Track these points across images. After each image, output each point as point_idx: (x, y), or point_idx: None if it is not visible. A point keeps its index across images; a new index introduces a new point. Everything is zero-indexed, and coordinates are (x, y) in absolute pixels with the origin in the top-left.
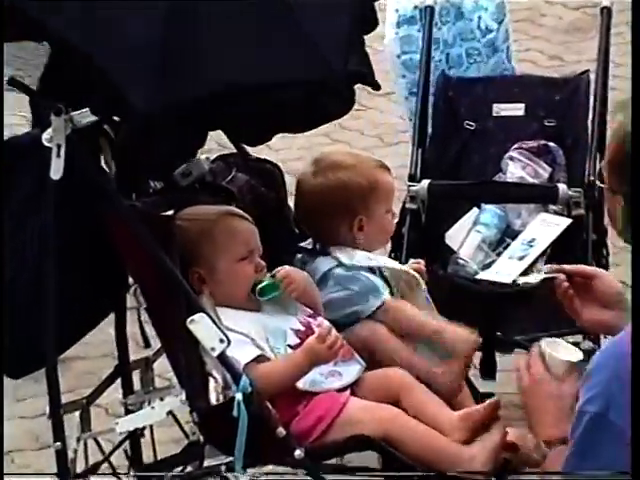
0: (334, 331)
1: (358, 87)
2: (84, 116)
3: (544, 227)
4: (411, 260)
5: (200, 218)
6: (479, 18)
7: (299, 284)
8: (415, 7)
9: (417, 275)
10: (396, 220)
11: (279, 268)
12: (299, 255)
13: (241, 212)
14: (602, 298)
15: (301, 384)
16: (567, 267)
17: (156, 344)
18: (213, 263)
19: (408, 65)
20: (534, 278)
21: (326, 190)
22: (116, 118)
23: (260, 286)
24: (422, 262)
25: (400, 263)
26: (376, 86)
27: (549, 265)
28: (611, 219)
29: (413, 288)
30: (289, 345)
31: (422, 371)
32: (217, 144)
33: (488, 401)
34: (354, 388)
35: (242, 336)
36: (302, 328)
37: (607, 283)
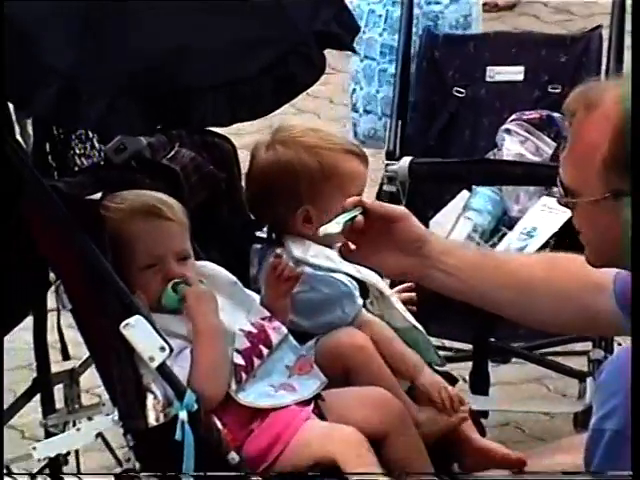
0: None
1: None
2: None
3: (546, 214)
4: (398, 287)
5: (108, 216)
6: None
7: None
8: None
9: (388, 292)
10: None
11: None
12: (257, 246)
13: (161, 205)
14: (401, 243)
15: (246, 397)
16: (368, 203)
17: (83, 353)
18: (119, 270)
19: None
20: (335, 227)
21: (272, 168)
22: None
23: (163, 295)
24: (413, 295)
25: None
26: (352, 49)
27: (349, 200)
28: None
29: (384, 297)
30: (237, 350)
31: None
32: None
33: None
34: (322, 408)
35: (181, 340)
36: (254, 330)
37: (409, 227)
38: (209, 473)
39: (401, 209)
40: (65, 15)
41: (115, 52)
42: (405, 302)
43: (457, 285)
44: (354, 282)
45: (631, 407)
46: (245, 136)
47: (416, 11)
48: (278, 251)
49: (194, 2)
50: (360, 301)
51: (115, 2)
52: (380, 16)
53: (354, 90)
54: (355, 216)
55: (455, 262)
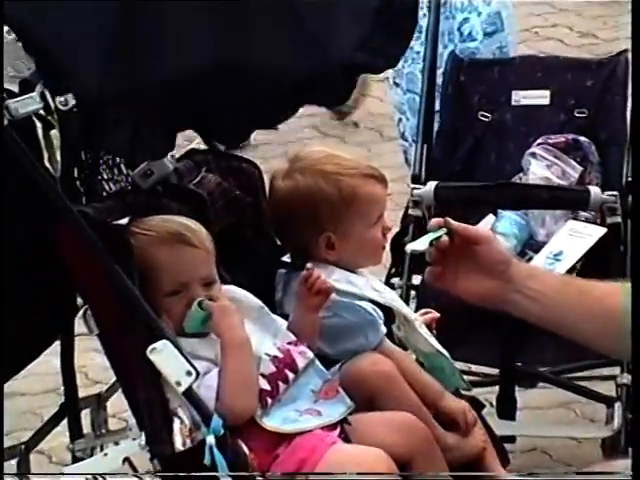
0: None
1: None
2: (23, 104)
3: (573, 238)
4: (421, 310)
5: (134, 241)
6: (465, 20)
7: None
8: None
9: (413, 317)
10: (397, 229)
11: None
12: (282, 271)
13: (187, 231)
14: (485, 266)
15: (271, 422)
16: (454, 224)
17: (110, 378)
18: (144, 295)
19: None
20: (421, 245)
21: (292, 197)
22: (62, 107)
23: (187, 316)
24: (434, 313)
25: (402, 280)
26: (379, 72)
27: (435, 220)
28: None
29: (409, 322)
30: (262, 375)
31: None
32: (184, 139)
33: None
34: (348, 433)
35: (207, 362)
36: (280, 355)
37: (494, 249)
38: None
39: (485, 231)
40: (93, 39)
41: (143, 76)
42: (427, 325)
43: (540, 312)
44: (379, 310)
45: (631, 408)
46: (271, 160)
47: (451, 48)
48: (309, 265)
49: (226, 20)
50: (384, 329)
51: (144, 24)
52: (418, 53)
53: (400, 119)
54: (440, 236)
55: (539, 287)
